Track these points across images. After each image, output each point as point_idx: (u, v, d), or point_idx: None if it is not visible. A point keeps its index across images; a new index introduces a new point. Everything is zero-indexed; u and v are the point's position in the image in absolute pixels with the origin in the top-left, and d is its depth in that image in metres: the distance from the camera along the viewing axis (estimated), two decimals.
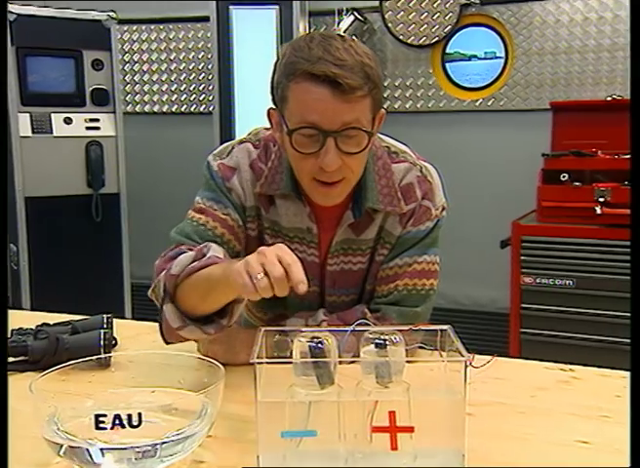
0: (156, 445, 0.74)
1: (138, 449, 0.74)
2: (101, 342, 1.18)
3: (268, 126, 1.21)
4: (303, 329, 0.81)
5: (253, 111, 3.22)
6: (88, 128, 3.10)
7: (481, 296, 3.32)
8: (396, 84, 3.37)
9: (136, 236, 3.37)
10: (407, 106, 3.37)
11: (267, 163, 1.21)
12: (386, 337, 0.78)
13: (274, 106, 1.13)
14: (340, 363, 0.78)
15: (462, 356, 0.76)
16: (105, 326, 1.25)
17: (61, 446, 0.75)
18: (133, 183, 3.33)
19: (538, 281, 2.63)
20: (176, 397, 0.83)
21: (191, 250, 1.14)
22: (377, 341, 0.78)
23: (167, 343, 1.11)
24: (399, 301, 1.23)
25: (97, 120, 3.12)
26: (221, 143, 1.29)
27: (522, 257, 2.66)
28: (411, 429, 0.75)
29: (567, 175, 2.65)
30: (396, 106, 3.37)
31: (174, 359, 0.92)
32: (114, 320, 1.28)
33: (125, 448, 0.74)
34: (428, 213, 1.22)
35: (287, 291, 0.88)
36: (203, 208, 1.20)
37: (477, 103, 3.25)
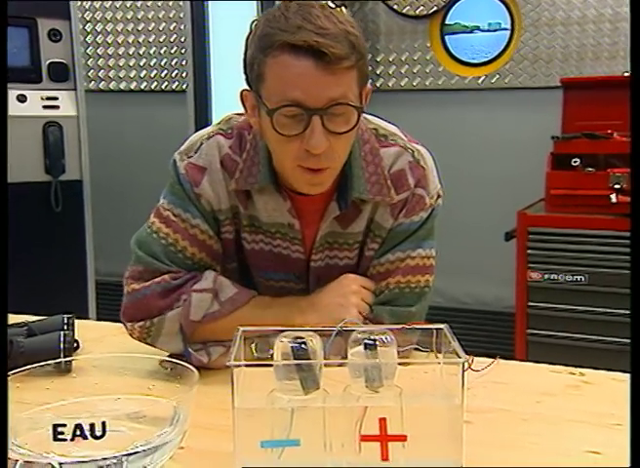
0: (122, 457, 0.75)
1: (101, 463, 0.74)
2: (61, 345, 1.18)
3: (243, 110, 1.21)
4: (285, 328, 0.82)
5: (231, 89, 3.21)
6: (45, 107, 3.08)
7: (483, 294, 3.35)
8: (390, 59, 3.38)
9: (100, 229, 3.36)
10: (402, 84, 3.38)
11: (242, 155, 1.21)
12: (376, 337, 0.78)
13: (249, 87, 1.13)
14: (326, 365, 0.78)
15: (460, 357, 0.77)
16: (66, 327, 1.25)
17: (16, 461, 0.76)
18: (97, 169, 3.32)
19: (546, 277, 2.65)
20: (144, 404, 0.84)
21: (176, 278, 1.19)
22: (366, 342, 0.78)
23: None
24: (391, 301, 1.24)
25: (55, 98, 3.10)
26: (196, 125, 1.30)
27: (529, 251, 2.68)
28: (403, 438, 0.76)
29: (579, 160, 2.67)
30: (390, 84, 3.38)
31: (142, 363, 0.92)
32: (76, 321, 1.28)
33: (87, 462, 0.74)
34: (422, 202, 1.23)
35: None
36: (170, 218, 1.22)
37: (480, 81, 3.27)
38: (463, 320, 3.24)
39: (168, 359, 0.89)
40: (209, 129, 1.26)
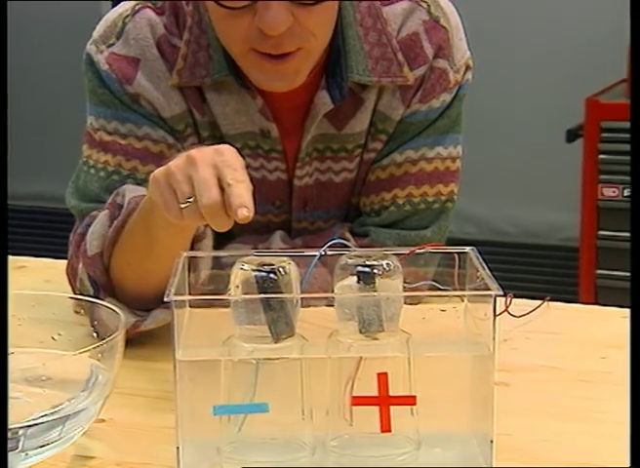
0: (18, 430, 0.76)
1: None
2: None
3: None
4: (249, 252, 0.83)
5: None
6: None
7: (535, 221, 3.38)
8: None
9: (14, 137, 3.35)
10: None
11: (182, 35, 1.21)
12: (374, 263, 0.80)
13: None
14: (305, 303, 0.80)
15: (490, 290, 0.77)
16: None
17: None
18: None
19: (626, 193, 2.68)
20: (47, 360, 0.86)
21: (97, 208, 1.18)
22: (360, 269, 0.79)
23: None
24: (398, 221, 1.26)
25: None
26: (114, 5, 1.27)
27: (601, 156, 2.70)
28: (411, 400, 0.78)
29: None
30: None
31: (43, 305, 0.93)
32: None
33: None
34: (444, 78, 1.24)
35: (227, 223, 0.92)
36: (104, 139, 1.22)
37: None
38: (505, 258, 3.27)
39: (79, 297, 0.91)
40: (128, 2, 1.24)
